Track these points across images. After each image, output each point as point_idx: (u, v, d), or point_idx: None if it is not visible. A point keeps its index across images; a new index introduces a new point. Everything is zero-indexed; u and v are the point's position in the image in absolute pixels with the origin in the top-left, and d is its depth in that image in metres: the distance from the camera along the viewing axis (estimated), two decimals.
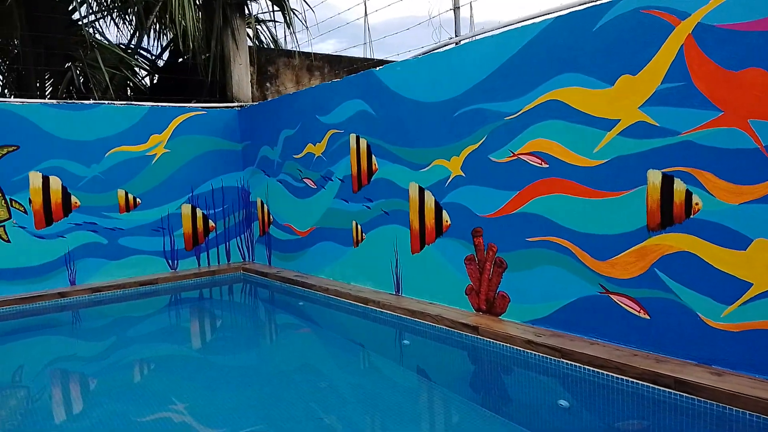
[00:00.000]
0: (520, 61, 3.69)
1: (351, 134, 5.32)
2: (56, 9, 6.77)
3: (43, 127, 5.94)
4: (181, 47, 6.90)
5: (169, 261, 6.84)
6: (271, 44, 8.38)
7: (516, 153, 3.76)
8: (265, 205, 6.93)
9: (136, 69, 8.48)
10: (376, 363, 4.28)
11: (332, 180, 5.66)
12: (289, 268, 6.54)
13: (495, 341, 3.73)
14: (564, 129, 3.47)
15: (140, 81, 8.64)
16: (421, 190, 4.58)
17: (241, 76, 7.39)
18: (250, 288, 6.86)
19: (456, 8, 4.66)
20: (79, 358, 4.91)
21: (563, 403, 3.06)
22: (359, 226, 5.36)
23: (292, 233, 6.45)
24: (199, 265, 7.07)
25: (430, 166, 4.46)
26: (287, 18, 7.48)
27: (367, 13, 9.03)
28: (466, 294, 4.28)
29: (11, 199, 5.80)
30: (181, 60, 8.82)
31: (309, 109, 5.88)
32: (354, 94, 5.21)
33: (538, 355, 3.47)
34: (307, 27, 7.33)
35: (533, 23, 3.55)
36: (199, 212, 7.03)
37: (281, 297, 6.18)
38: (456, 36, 4.67)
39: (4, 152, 5.73)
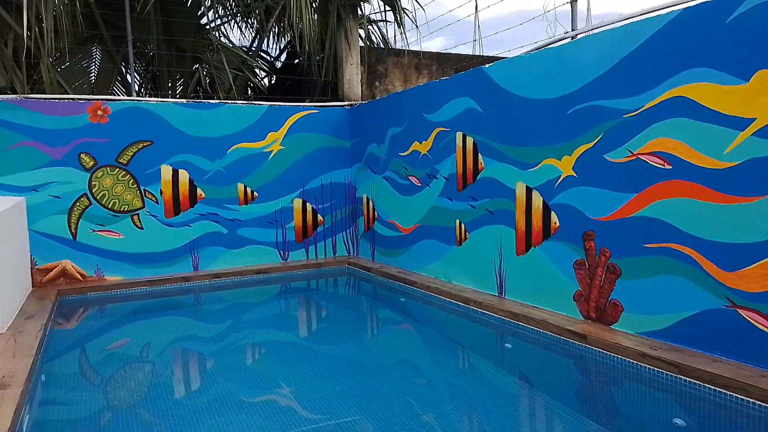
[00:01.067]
0: (643, 55, 3.46)
1: (457, 132, 5.29)
2: (188, 15, 7.35)
3: (173, 124, 6.49)
4: (297, 49, 7.22)
5: (281, 252, 7.21)
6: (381, 44, 8.53)
7: (635, 153, 3.54)
8: (370, 202, 7.09)
9: (256, 70, 9.00)
10: (476, 364, 4.23)
11: (437, 178, 5.67)
12: (391, 264, 6.65)
13: (605, 351, 3.54)
14: (691, 128, 3.21)
15: (260, 81, 9.17)
16: (529, 190, 4.46)
17: (352, 75, 7.60)
18: (353, 281, 7.06)
19: (573, 1, 4.47)
20: (199, 338, 5.32)
21: (679, 422, 2.84)
22: (463, 225, 5.32)
23: (395, 230, 6.54)
24: (307, 256, 7.38)
25: (540, 165, 4.33)
26: (398, 17, 7.57)
27: (478, 9, 8.92)
28: (574, 300, 4.10)
29: (145, 190, 6.41)
30: (297, 61, 9.26)
31: (416, 107, 5.93)
32: (462, 92, 5.18)
33: (653, 370, 3.24)
34: (417, 26, 7.38)
35: (659, 15, 3.31)
36: (309, 206, 7.35)
37: (383, 292, 6.29)
38: (572, 30, 4.48)
39: (140, 147, 6.34)
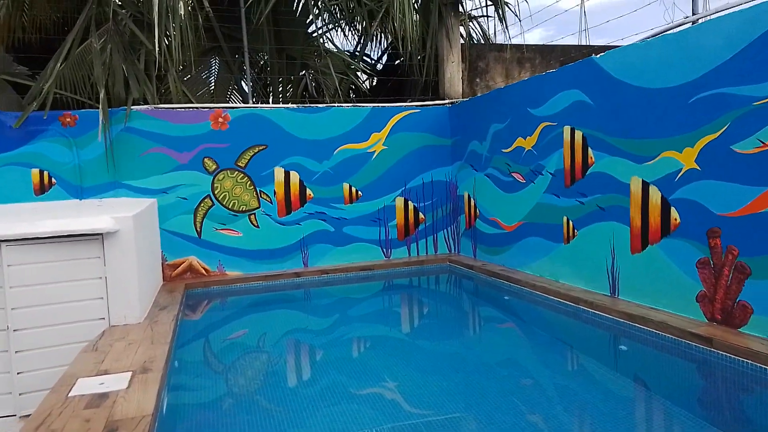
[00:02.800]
0: None
1: (565, 126, 5.13)
2: (297, 24, 7.72)
3: (285, 129, 6.86)
4: (399, 49, 7.35)
5: (384, 249, 7.38)
6: (481, 39, 8.44)
7: (767, 143, 3.25)
8: (472, 199, 7.06)
9: (359, 73, 9.25)
10: (586, 366, 4.10)
11: (542, 174, 5.53)
12: (494, 261, 6.58)
13: (733, 356, 3.29)
14: None
15: (362, 84, 9.42)
16: (645, 185, 4.23)
17: (453, 73, 7.60)
18: (455, 279, 7.06)
19: None
20: (310, 330, 5.60)
21: None
22: (571, 222, 5.15)
23: (498, 227, 6.46)
24: (409, 254, 7.49)
25: (657, 158, 4.09)
26: (500, 12, 7.46)
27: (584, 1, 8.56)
28: (697, 301, 3.84)
29: (261, 191, 6.83)
30: (398, 62, 9.41)
31: (519, 102, 5.82)
32: (570, 84, 5.02)
33: None
34: (519, 19, 7.24)
35: None
36: (410, 205, 7.45)
37: (486, 290, 6.24)
38: (693, 14, 4.18)
39: (256, 151, 6.77)
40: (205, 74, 7.81)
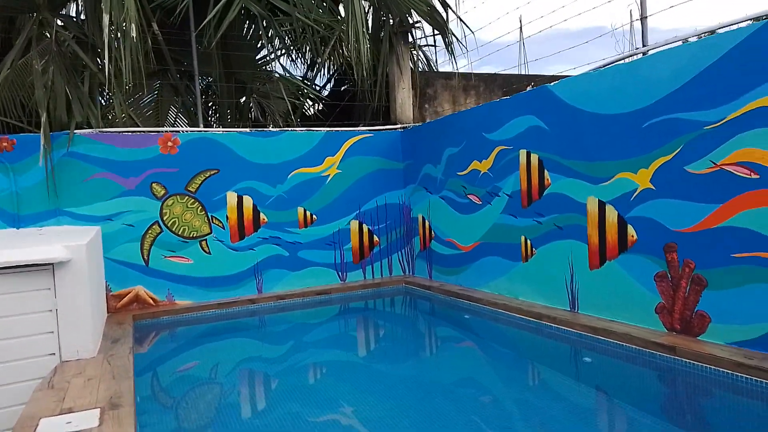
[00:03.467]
0: (724, 67, 3.49)
1: (521, 150, 5.36)
2: (245, 48, 7.65)
3: (238, 153, 6.73)
4: (353, 75, 7.44)
5: (339, 273, 7.33)
6: (427, 68, 8.70)
7: (719, 164, 3.55)
8: (426, 221, 7.17)
9: (307, 98, 9.25)
10: (551, 380, 4.22)
11: (499, 195, 5.73)
12: (450, 282, 6.69)
13: (697, 362, 3.51)
14: None
15: (310, 109, 9.42)
16: (602, 204, 4.48)
17: (404, 99, 7.76)
18: (412, 300, 7.11)
19: (643, 18, 4.53)
20: (264, 359, 5.45)
21: None
22: (529, 241, 5.35)
23: (454, 248, 6.59)
24: (364, 277, 7.48)
25: (613, 179, 4.35)
26: (448, 42, 7.73)
27: (523, 31, 9.05)
28: (656, 312, 4.08)
29: (212, 216, 6.63)
30: (344, 88, 9.49)
31: (474, 127, 6.03)
32: (525, 111, 5.26)
33: (751, 379, 3.21)
34: (467, 49, 7.53)
35: (740, 27, 3.35)
36: (365, 228, 7.47)
37: (444, 310, 6.32)
38: (644, 46, 4.53)
39: (207, 175, 6.59)
40: (149, 97, 7.55)
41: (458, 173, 6.39)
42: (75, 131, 5.92)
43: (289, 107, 7.35)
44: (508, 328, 5.24)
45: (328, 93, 9.89)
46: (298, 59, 8.66)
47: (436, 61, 8.49)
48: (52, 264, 4.13)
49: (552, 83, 4.97)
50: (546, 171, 5.07)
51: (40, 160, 5.69)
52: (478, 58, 8.22)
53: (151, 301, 6.32)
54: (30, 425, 2.91)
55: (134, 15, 5.30)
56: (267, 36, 7.05)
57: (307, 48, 8.24)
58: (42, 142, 5.65)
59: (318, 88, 9.74)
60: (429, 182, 7.02)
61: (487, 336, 5.42)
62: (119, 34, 5.49)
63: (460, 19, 7.75)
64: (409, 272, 7.66)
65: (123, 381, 3.60)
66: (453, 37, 7.71)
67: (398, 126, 7.72)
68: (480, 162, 5.99)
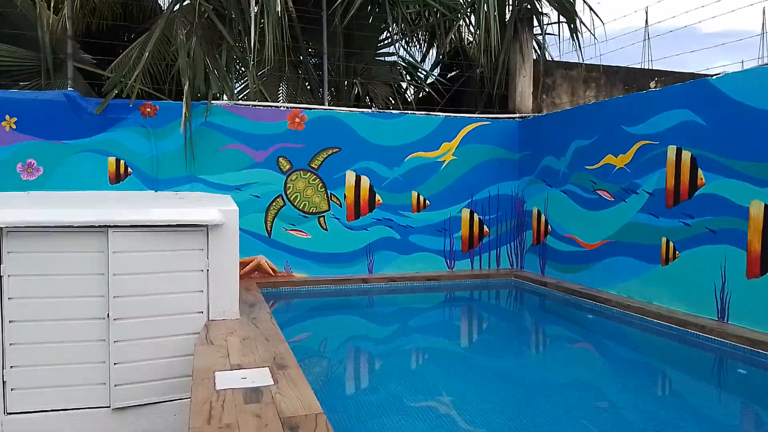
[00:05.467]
0: None
1: (669, 146, 5.06)
2: (369, 29, 7.67)
3: (360, 133, 6.78)
4: (464, 61, 7.32)
5: (448, 260, 7.27)
6: (549, 56, 8.42)
7: None
8: (542, 215, 6.96)
9: (415, 83, 9.20)
10: (688, 392, 3.95)
11: (637, 193, 5.45)
12: (567, 279, 6.46)
13: None
14: None
15: (412, 94, 9.36)
16: None
17: (524, 88, 7.56)
18: (521, 295, 6.95)
19: None
20: (370, 338, 5.51)
21: None
22: (671, 243, 5.06)
23: (575, 245, 6.36)
24: (472, 267, 7.38)
25: None
26: (574, 31, 7.44)
27: (648, 33, 8.59)
28: None
29: (331, 194, 6.72)
30: (451, 75, 9.36)
31: (612, 120, 5.76)
32: (678, 104, 4.96)
33: None
34: (596, 39, 7.21)
35: None
36: (476, 217, 7.36)
37: (561, 308, 6.12)
38: None
39: (329, 153, 6.67)
40: (281, 74, 7.73)
41: (587, 167, 6.14)
42: (212, 102, 6.14)
43: (395, 90, 7.31)
44: (642, 333, 4.99)
45: (434, 79, 9.80)
46: (412, 44, 8.61)
47: (560, 50, 8.18)
48: (207, 226, 4.28)
49: (715, 77, 4.65)
50: (699, 169, 4.76)
51: (182, 126, 5.94)
52: (598, 55, 7.82)
53: (270, 271, 6.50)
54: (207, 377, 3.02)
55: None
56: (392, 17, 7.02)
57: (424, 33, 8.18)
58: (183, 110, 5.89)
59: (425, 74, 9.67)
60: (549, 174, 6.80)
61: (613, 339, 5.19)
62: (262, 10, 5.61)
63: (591, 9, 7.43)
64: (517, 266, 7.49)
65: (278, 343, 3.70)
66: (582, 26, 7.40)
67: (516, 115, 7.53)
68: (616, 156, 5.72)
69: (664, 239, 5.13)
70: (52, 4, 5.77)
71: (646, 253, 5.33)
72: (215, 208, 4.34)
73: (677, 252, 4.99)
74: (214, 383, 2.92)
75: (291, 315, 6.15)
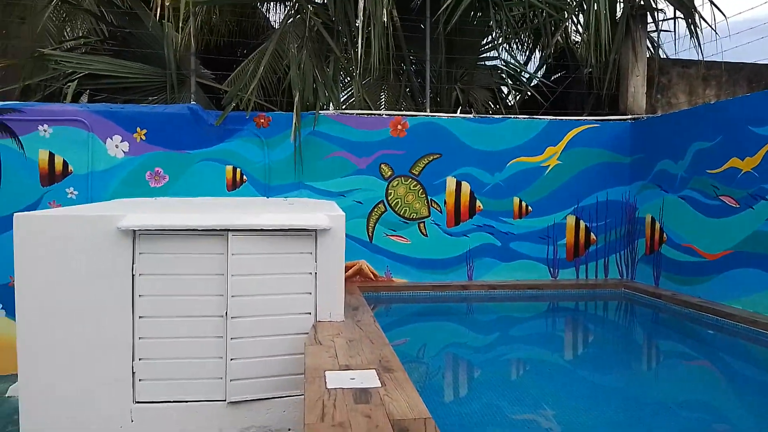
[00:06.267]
0: None
1: None
2: (470, 34, 7.64)
3: (460, 138, 6.76)
4: (570, 62, 7.05)
5: (551, 269, 7.04)
6: (664, 54, 7.93)
7: None
8: (657, 222, 6.55)
9: (517, 87, 9.01)
10: None
11: (766, 199, 4.98)
12: (684, 292, 6.02)
13: None
14: None
15: (514, 98, 9.17)
16: None
17: (637, 87, 7.17)
18: (632, 307, 6.57)
19: None
20: (469, 346, 5.45)
21: None
22: None
23: (694, 255, 5.92)
24: (577, 276, 7.09)
25: None
26: (693, 26, 6.95)
27: None
28: None
29: (431, 200, 6.76)
30: (555, 76, 9.07)
31: (737, 120, 5.31)
32: None
33: None
34: (717, 34, 6.68)
35: None
36: (582, 224, 7.07)
37: (678, 322, 5.72)
38: None
39: (430, 159, 6.72)
40: (380, 81, 7.92)
41: (708, 171, 5.70)
42: (320, 112, 6.41)
43: (496, 95, 7.19)
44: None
45: (537, 82, 9.54)
46: (516, 46, 8.46)
47: (676, 48, 7.69)
48: (316, 230, 4.47)
49: None
50: None
51: (292, 136, 6.25)
52: (719, 51, 7.23)
53: (371, 276, 6.64)
54: (318, 375, 3.15)
55: (387, 2, 5.53)
56: (496, 21, 6.94)
57: (528, 35, 8.00)
58: (294, 120, 6.20)
59: (526, 76, 9.45)
60: (665, 179, 6.39)
61: (737, 357, 4.78)
62: (370, 21, 5.78)
63: (711, 2, 6.90)
64: (628, 276, 7.09)
65: (383, 346, 3.78)
66: (702, 21, 6.90)
67: (628, 117, 7.15)
68: (742, 159, 5.27)
69: None
70: (180, 24, 6.29)
71: None
72: (323, 214, 4.53)
73: None
74: (325, 382, 3.04)
75: (391, 319, 6.24)
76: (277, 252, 4.44)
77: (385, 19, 5.54)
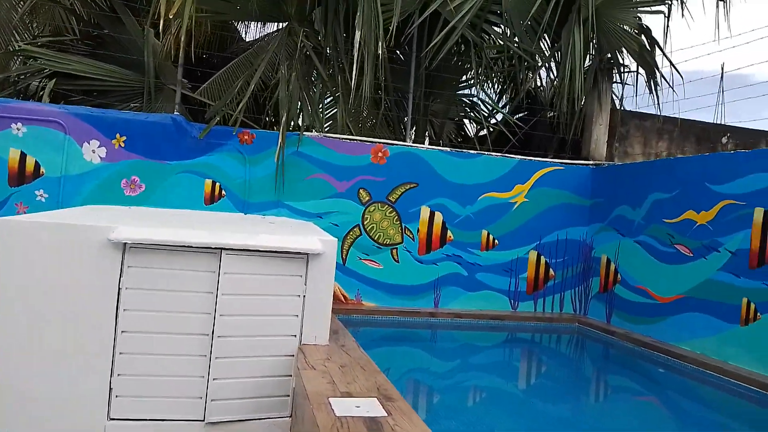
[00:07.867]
0: None
1: (756, 208, 5.11)
2: (450, 70, 7.96)
3: (437, 170, 7.02)
4: (534, 105, 7.50)
5: (512, 300, 7.37)
6: (624, 106, 8.55)
7: None
8: (612, 263, 7.02)
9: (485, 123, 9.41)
10: None
11: (718, 251, 5.49)
12: (636, 331, 6.47)
13: None
14: None
15: (477, 132, 9.56)
16: None
17: (600, 136, 7.69)
18: (586, 342, 6.97)
19: None
20: (431, 372, 5.64)
21: None
22: (753, 305, 5.07)
23: (647, 296, 6.39)
24: (535, 309, 7.45)
25: None
26: (653, 85, 7.57)
27: (723, 85, 8.64)
28: None
29: (405, 227, 6.95)
30: (518, 116, 9.55)
31: (695, 177, 5.83)
32: (766, 168, 5.02)
33: None
34: (675, 93, 7.31)
35: None
36: (543, 259, 7.46)
37: (628, 359, 6.13)
38: None
39: (407, 188, 6.93)
40: (364, 110, 8.08)
41: (665, 220, 6.20)
42: (304, 133, 6.50)
43: (487, 131, 7.53)
44: (717, 392, 4.98)
45: (501, 119, 10.01)
46: (489, 86, 8.87)
47: (635, 102, 8.31)
48: (308, 254, 4.54)
49: None
50: None
51: (276, 155, 6.30)
52: (672, 101, 7.88)
53: (342, 298, 6.73)
54: (323, 402, 3.23)
55: (382, 34, 5.74)
56: (476, 61, 7.30)
57: (503, 76, 8.42)
58: (279, 140, 6.25)
59: (500, 116, 9.88)
60: (622, 224, 6.87)
61: (684, 395, 5.19)
62: (365, 51, 5.96)
63: (672, 64, 7.54)
64: (581, 311, 7.52)
65: (376, 373, 3.89)
66: (661, 79, 7.52)
67: (590, 162, 7.65)
68: (698, 213, 5.78)
69: (744, 300, 5.14)
70: (173, 35, 6.23)
71: (725, 311, 5.34)
72: (317, 238, 4.61)
73: (759, 314, 5.00)
74: (332, 409, 3.12)
75: (359, 342, 6.34)
76: (269, 273, 4.47)
77: (380, 52, 5.73)
